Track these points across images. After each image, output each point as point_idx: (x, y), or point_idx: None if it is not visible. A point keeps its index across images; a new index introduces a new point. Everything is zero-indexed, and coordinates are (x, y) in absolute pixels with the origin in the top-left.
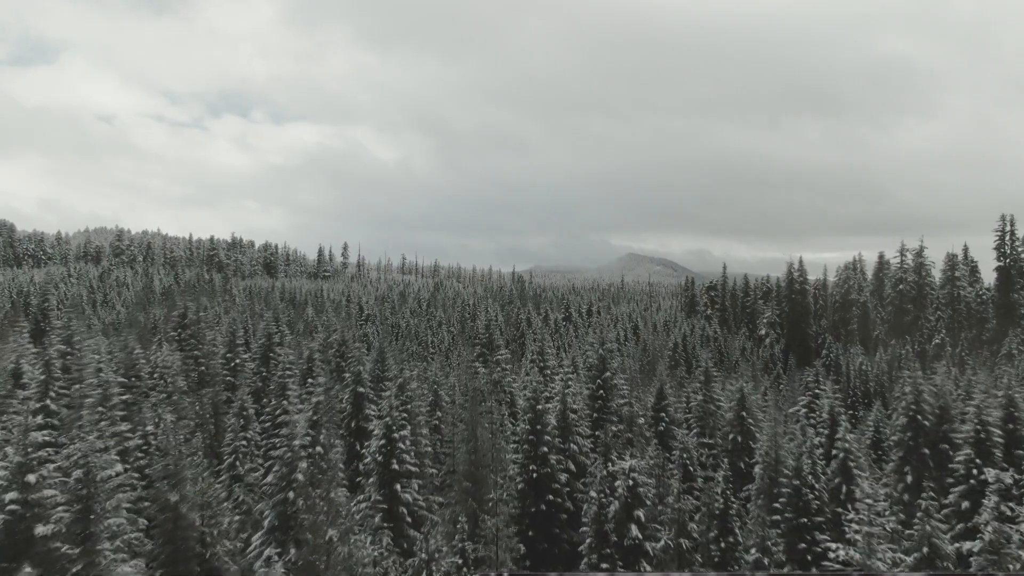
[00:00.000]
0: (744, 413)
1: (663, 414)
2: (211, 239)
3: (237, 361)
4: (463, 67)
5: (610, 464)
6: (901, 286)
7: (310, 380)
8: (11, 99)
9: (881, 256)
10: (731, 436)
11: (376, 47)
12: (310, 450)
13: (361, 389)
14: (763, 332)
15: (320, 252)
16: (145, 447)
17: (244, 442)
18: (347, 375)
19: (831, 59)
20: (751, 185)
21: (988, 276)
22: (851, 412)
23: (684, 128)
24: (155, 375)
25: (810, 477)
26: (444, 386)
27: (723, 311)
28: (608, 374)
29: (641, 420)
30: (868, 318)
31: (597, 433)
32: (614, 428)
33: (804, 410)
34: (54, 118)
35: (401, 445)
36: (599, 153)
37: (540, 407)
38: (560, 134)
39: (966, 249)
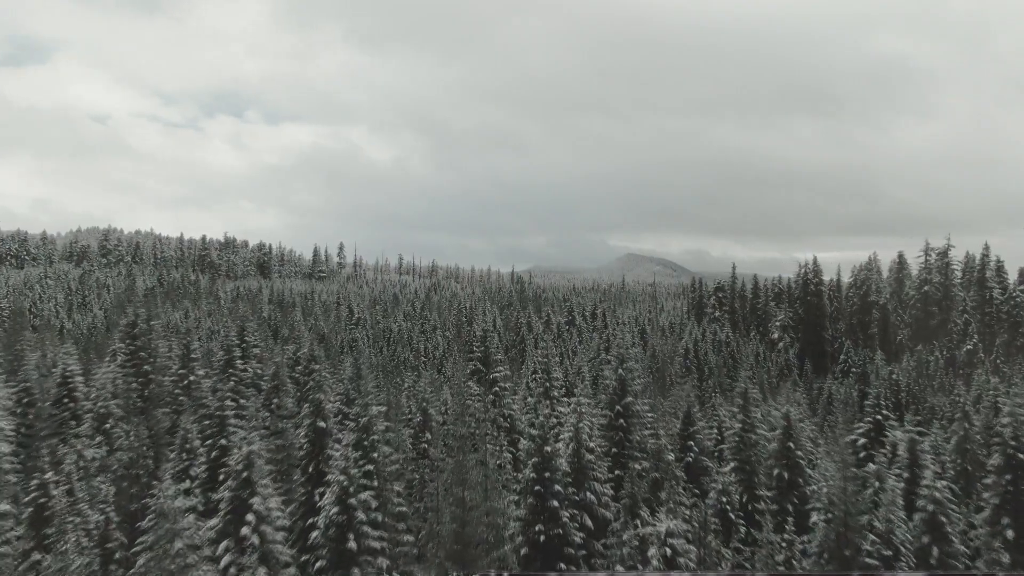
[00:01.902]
0: (791, 444)
1: (691, 442)
2: (203, 239)
3: (192, 379)
4: (461, 67)
5: (638, 523)
6: (926, 287)
7: (275, 401)
8: (3, 99)
9: (900, 256)
10: (775, 472)
11: (371, 47)
12: (227, 540)
13: (322, 424)
14: (776, 336)
15: (315, 252)
16: (42, 501)
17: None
18: (306, 404)
19: (830, 59)
20: (750, 185)
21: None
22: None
23: (683, 128)
24: (90, 398)
25: (901, 546)
26: (434, 403)
27: (732, 313)
28: (629, 399)
29: (671, 456)
30: (888, 321)
31: (617, 472)
32: (638, 466)
33: (863, 439)
34: (47, 118)
35: (361, 515)
36: (598, 153)
37: (548, 448)
38: (559, 134)
39: (987, 249)
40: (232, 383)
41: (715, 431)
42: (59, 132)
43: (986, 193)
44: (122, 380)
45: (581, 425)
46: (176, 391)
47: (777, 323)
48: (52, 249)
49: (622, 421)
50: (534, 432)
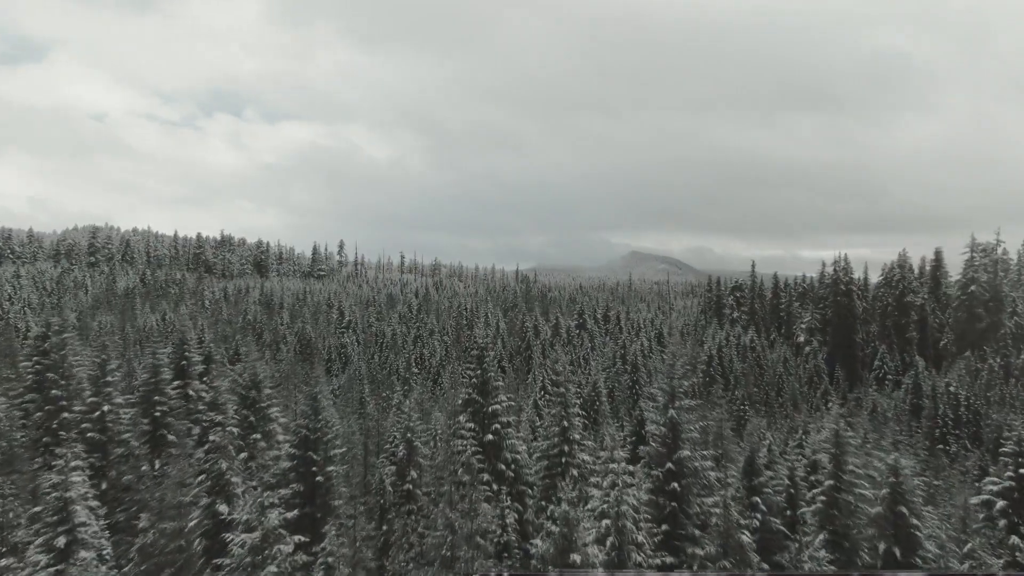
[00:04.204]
0: (904, 509)
1: (756, 498)
2: (198, 237)
3: (107, 408)
4: (459, 66)
5: None
6: (973, 287)
7: (220, 436)
8: (0, 98)
9: (938, 253)
10: (881, 547)
11: (368, 46)
12: None
13: (222, 507)
14: (802, 339)
15: (315, 250)
16: None
17: None
18: (202, 475)
19: (830, 57)
20: (750, 184)
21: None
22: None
23: (683, 127)
24: None
25: None
26: (421, 434)
27: (752, 315)
28: (685, 453)
29: (745, 536)
30: (927, 324)
31: (669, 560)
32: (700, 552)
33: (1002, 502)
34: (45, 117)
35: None
36: (598, 152)
37: (576, 556)
38: (559, 133)
39: None
40: (166, 407)
41: (785, 479)
42: (57, 131)
43: (986, 191)
44: (4, 412)
45: (623, 508)
46: (84, 425)
47: (803, 325)
48: (38, 248)
49: (675, 485)
50: (555, 528)
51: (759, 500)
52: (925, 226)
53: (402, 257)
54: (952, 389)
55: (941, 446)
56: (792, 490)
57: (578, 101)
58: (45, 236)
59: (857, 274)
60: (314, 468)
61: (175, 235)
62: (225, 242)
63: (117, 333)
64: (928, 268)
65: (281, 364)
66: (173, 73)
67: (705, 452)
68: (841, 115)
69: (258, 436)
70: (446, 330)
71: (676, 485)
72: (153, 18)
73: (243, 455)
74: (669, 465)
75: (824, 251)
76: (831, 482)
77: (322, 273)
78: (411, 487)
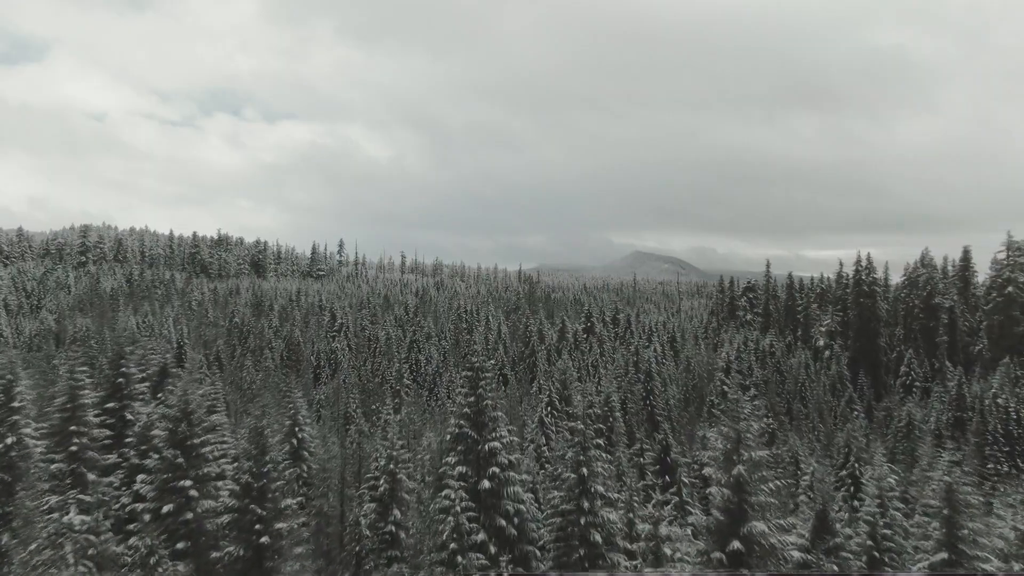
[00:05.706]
0: None
1: (832, 565)
2: (193, 235)
3: (12, 439)
4: (457, 63)
5: None
6: (1010, 288)
7: (146, 477)
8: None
9: (966, 252)
10: None
11: (365, 43)
12: None
13: None
14: (821, 343)
15: (315, 249)
16: None
17: None
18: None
19: (828, 54)
20: (752, 182)
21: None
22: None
23: (684, 125)
24: None
25: None
26: (406, 463)
27: (766, 317)
28: (757, 525)
29: None
30: (956, 327)
31: None
32: None
33: None
34: (44, 116)
35: None
36: (598, 151)
37: None
38: (559, 132)
39: None
40: (81, 441)
41: (864, 535)
42: (57, 130)
43: (986, 189)
44: None
45: None
46: None
47: (822, 328)
48: (27, 247)
49: (745, 572)
50: None
51: (836, 568)
52: (927, 225)
53: (403, 257)
54: (1001, 401)
55: (991, 466)
56: (876, 552)
57: (578, 99)
58: (40, 235)
59: (876, 275)
60: (259, 526)
61: (171, 234)
62: (222, 241)
63: (94, 337)
64: (954, 267)
65: (261, 372)
66: (172, 72)
67: (781, 521)
68: (842, 113)
69: (188, 483)
70: (444, 334)
71: (746, 572)
72: (152, 17)
73: (168, 507)
74: (736, 544)
75: (826, 251)
76: (945, 554)
77: (321, 273)
78: (394, 528)
